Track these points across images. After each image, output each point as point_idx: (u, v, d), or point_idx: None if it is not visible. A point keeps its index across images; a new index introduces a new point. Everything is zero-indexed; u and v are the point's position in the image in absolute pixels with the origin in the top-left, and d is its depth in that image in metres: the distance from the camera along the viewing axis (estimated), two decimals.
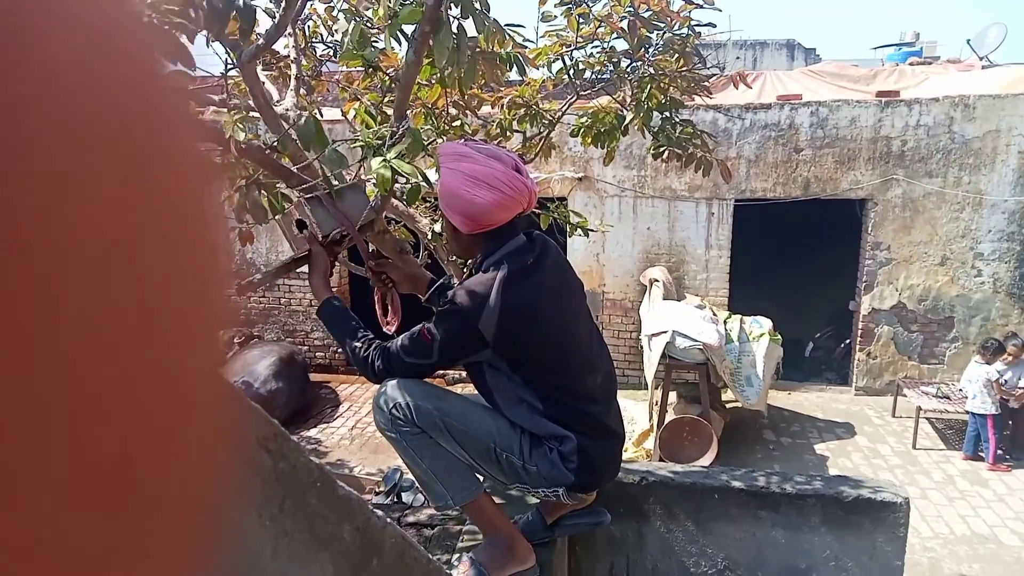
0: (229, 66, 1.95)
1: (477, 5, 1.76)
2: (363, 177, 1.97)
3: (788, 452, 6.44)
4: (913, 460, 6.27)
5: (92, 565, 0.19)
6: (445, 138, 2.58)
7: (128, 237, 0.20)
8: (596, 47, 2.76)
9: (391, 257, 2.73)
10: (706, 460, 5.66)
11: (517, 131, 3.01)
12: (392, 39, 1.76)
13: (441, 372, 1.83)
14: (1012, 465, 6.06)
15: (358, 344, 1.75)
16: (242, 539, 0.80)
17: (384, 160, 1.61)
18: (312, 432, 7.08)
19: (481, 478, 1.82)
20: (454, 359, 1.72)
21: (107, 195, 0.19)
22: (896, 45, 11.03)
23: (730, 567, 2.37)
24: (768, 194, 7.63)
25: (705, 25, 2.68)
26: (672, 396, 6.39)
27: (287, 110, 2.24)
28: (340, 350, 8.50)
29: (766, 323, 6.54)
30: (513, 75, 2.26)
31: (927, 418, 6.88)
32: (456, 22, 1.72)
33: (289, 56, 2.59)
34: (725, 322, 6.49)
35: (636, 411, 6.66)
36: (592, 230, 3.34)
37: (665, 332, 6.03)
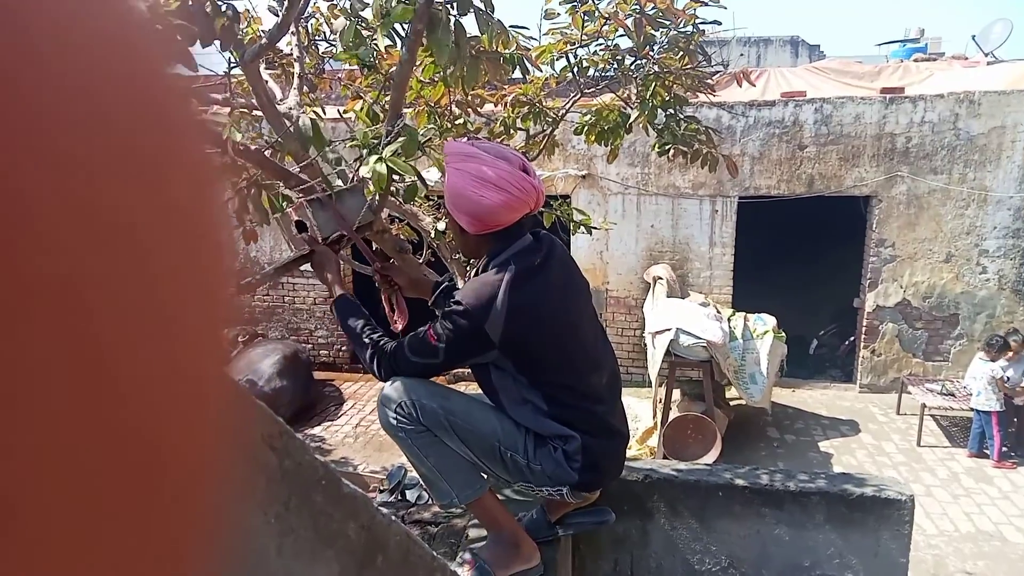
0: (232, 65, 1.95)
1: (479, 3, 1.76)
2: (361, 177, 1.98)
3: (792, 449, 6.43)
4: (918, 457, 6.26)
5: (101, 561, 0.19)
6: (449, 136, 2.58)
7: (138, 235, 0.20)
8: (600, 45, 2.76)
9: (391, 256, 2.73)
10: (710, 458, 5.66)
11: (520, 129, 3.00)
12: (386, 38, 1.76)
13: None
14: (1017, 462, 6.05)
15: (366, 342, 1.75)
16: (248, 537, 0.80)
17: (380, 159, 1.62)
18: (316, 430, 7.09)
19: (485, 476, 1.83)
20: (460, 360, 1.72)
21: (118, 193, 0.19)
22: (901, 41, 10.98)
23: (734, 564, 2.37)
24: (772, 191, 7.61)
25: (710, 23, 2.68)
26: (676, 394, 6.39)
27: (290, 108, 2.24)
28: (346, 347, 8.54)
29: (770, 320, 6.53)
30: (516, 74, 2.26)
31: (932, 415, 6.87)
32: (453, 19, 1.72)
33: (292, 54, 2.59)
34: (729, 319, 6.49)
35: (640, 409, 6.65)
36: (595, 228, 3.34)
37: (669, 330, 6.03)
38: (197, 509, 0.23)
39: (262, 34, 2.26)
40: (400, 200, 2.47)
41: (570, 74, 2.80)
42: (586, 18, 2.58)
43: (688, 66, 2.75)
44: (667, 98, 2.79)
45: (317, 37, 2.79)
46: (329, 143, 1.83)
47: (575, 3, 2.54)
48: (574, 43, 2.68)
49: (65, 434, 0.18)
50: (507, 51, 2.13)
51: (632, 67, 2.81)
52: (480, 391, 1.83)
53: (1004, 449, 6.07)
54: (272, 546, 0.85)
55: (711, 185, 7.63)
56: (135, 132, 0.20)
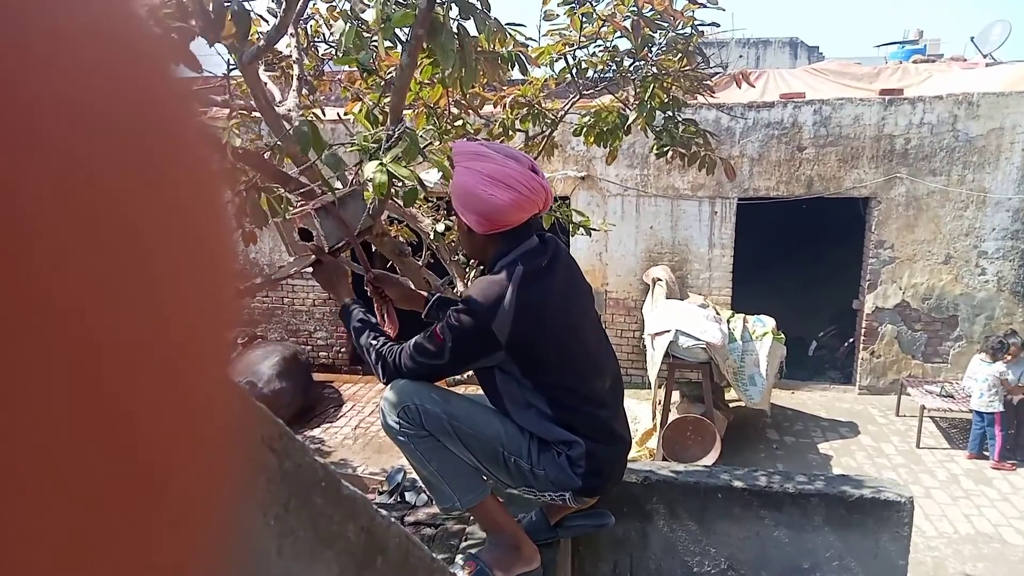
0: (231, 67, 1.95)
1: (478, 5, 1.76)
2: (360, 180, 1.98)
3: (791, 451, 6.43)
4: (917, 459, 6.26)
5: (103, 563, 0.19)
6: (448, 138, 2.58)
7: (141, 236, 0.20)
8: (599, 46, 2.76)
9: (391, 258, 2.73)
10: (709, 459, 5.66)
11: (519, 130, 3.01)
12: (386, 42, 1.76)
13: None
14: (1017, 463, 6.05)
15: (372, 344, 1.74)
16: (248, 538, 0.80)
17: (380, 164, 1.61)
18: (316, 432, 7.09)
19: (487, 479, 1.82)
20: (465, 361, 1.69)
21: (120, 194, 0.20)
22: (899, 43, 10.99)
23: (733, 567, 2.37)
24: (771, 193, 7.62)
25: (709, 24, 2.68)
26: (675, 395, 6.38)
27: (289, 110, 2.24)
28: (345, 349, 8.53)
29: (769, 322, 6.54)
30: (515, 74, 2.26)
31: (931, 417, 6.87)
32: (456, 23, 1.71)
33: (291, 56, 2.59)
34: (728, 321, 6.49)
35: (639, 410, 6.65)
36: (595, 229, 3.34)
37: (668, 331, 6.03)
38: (199, 512, 0.23)
39: (261, 35, 2.27)
40: (400, 203, 2.47)
41: (569, 75, 2.81)
42: (584, 20, 2.58)
43: (686, 68, 2.75)
44: (665, 100, 2.79)
45: (316, 39, 2.79)
46: (329, 145, 1.83)
47: (573, 4, 2.54)
48: (573, 44, 2.68)
49: (66, 436, 0.18)
50: (504, 49, 2.13)
51: (631, 69, 2.81)
52: (482, 394, 1.82)
53: (1005, 449, 6.07)
54: (272, 547, 0.85)
55: (710, 187, 7.64)
56: (137, 133, 0.20)
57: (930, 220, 7.37)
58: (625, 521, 2.37)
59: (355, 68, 2.22)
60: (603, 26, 2.59)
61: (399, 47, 1.86)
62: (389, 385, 1.73)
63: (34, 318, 0.17)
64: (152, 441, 0.21)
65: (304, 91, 2.50)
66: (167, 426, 0.21)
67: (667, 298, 6.94)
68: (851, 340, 8.24)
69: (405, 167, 1.63)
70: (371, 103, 2.37)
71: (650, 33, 2.59)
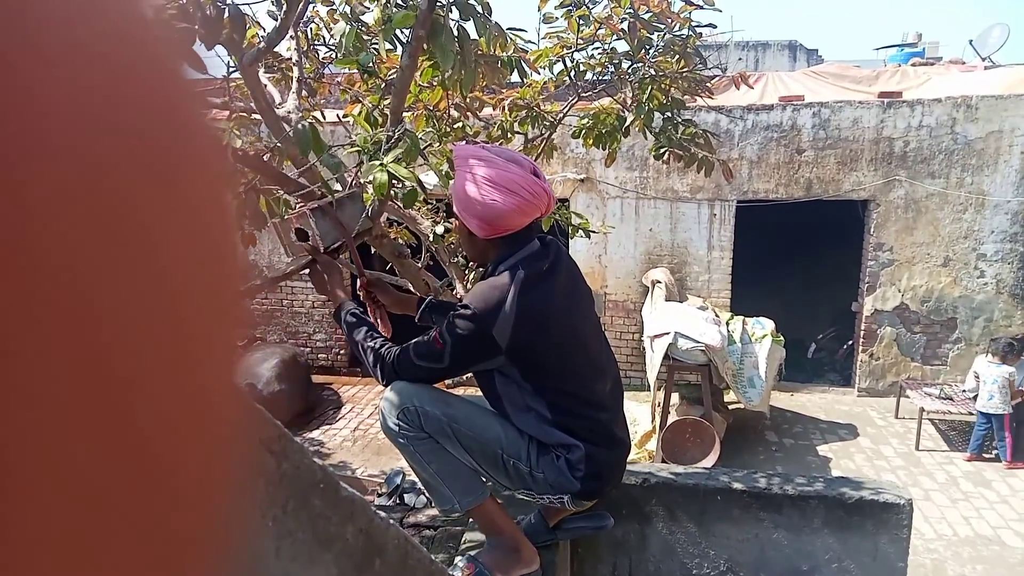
0: (231, 69, 1.96)
1: (478, 7, 1.76)
2: (360, 182, 1.98)
3: (790, 453, 6.43)
4: (916, 461, 6.26)
5: (104, 563, 0.20)
6: (448, 140, 2.58)
7: (149, 236, 0.20)
8: (597, 48, 2.77)
9: (390, 261, 2.73)
10: (708, 462, 5.66)
11: (519, 133, 3.01)
12: (387, 43, 1.76)
13: None
14: None
15: (370, 347, 1.74)
16: (246, 540, 0.80)
17: (381, 165, 1.62)
18: (314, 434, 7.08)
19: (486, 481, 1.82)
20: (465, 365, 1.69)
21: (128, 193, 0.20)
22: (898, 46, 11.02)
23: (732, 569, 2.37)
24: (770, 195, 7.62)
25: (705, 26, 2.68)
26: (674, 397, 6.38)
27: (289, 112, 2.24)
28: (344, 351, 8.53)
29: (768, 324, 6.54)
30: (514, 78, 2.26)
31: (930, 419, 6.87)
32: (456, 25, 1.72)
33: (291, 58, 2.59)
34: (727, 323, 6.49)
35: (638, 412, 6.65)
36: (594, 231, 3.34)
37: (667, 333, 6.03)
38: (201, 514, 0.23)
39: (261, 38, 2.27)
40: (399, 205, 2.47)
41: (567, 78, 2.81)
42: (581, 22, 2.58)
43: (684, 69, 2.76)
44: (664, 101, 2.79)
45: (316, 42, 2.79)
46: (328, 147, 1.83)
47: (570, 7, 2.55)
48: (571, 47, 2.68)
49: (72, 436, 0.18)
50: (504, 54, 2.13)
51: (628, 71, 2.82)
52: (482, 396, 1.82)
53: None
54: (270, 549, 0.85)
55: (709, 189, 7.64)
56: (146, 132, 0.21)
57: (929, 223, 7.38)
58: (624, 523, 2.37)
59: (355, 70, 2.23)
60: (600, 28, 2.60)
61: (399, 49, 1.86)
62: (389, 387, 1.72)
63: (38, 316, 0.17)
64: (157, 440, 0.21)
65: (304, 93, 2.50)
66: (172, 425, 0.22)
67: (666, 300, 6.94)
68: (850, 342, 8.24)
69: (405, 168, 1.63)
70: (371, 105, 2.37)
71: (647, 35, 2.59)
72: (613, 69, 2.83)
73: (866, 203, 7.59)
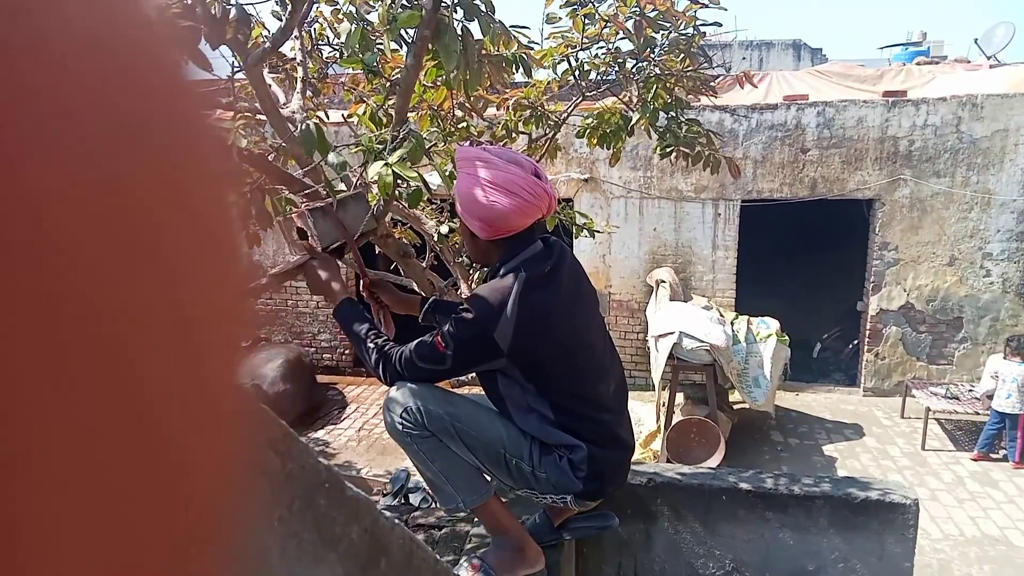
0: (236, 69, 1.96)
1: (482, 7, 1.76)
2: (365, 181, 1.98)
3: (796, 453, 6.42)
4: (922, 461, 6.24)
5: (117, 560, 0.19)
6: (452, 140, 2.58)
7: (158, 236, 0.20)
8: (601, 48, 2.76)
9: (395, 260, 2.73)
10: (713, 461, 5.65)
11: (523, 132, 3.01)
12: (392, 43, 1.76)
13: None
14: None
15: (372, 346, 1.74)
16: (251, 539, 0.80)
17: (386, 164, 1.62)
18: (319, 434, 7.09)
19: (490, 480, 1.82)
20: (467, 367, 1.69)
21: (136, 191, 0.20)
22: (903, 45, 10.99)
23: (738, 568, 2.36)
24: (775, 194, 7.61)
25: (711, 25, 2.68)
26: (679, 397, 6.37)
27: (293, 113, 2.25)
28: (349, 351, 8.54)
29: (773, 324, 6.52)
30: (519, 77, 2.26)
31: (936, 419, 6.85)
32: (460, 25, 1.72)
33: (295, 59, 2.60)
34: (732, 323, 6.48)
35: (643, 412, 6.64)
36: (598, 231, 3.34)
37: (672, 333, 6.02)
38: (209, 512, 0.23)
39: (265, 38, 2.27)
40: (404, 204, 2.47)
41: (572, 77, 2.81)
42: (586, 21, 2.58)
43: (689, 68, 2.75)
44: (668, 100, 2.79)
45: (321, 42, 2.79)
46: (333, 147, 1.83)
47: (575, 6, 2.54)
48: (575, 46, 2.68)
49: (86, 434, 0.18)
50: (508, 52, 2.13)
51: (633, 70, 2.81)
52: (486, 395, 1.82)
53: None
54: (275, 549, 0.85)
55: (713, 188, 7.63)
56: (148, 132, 0.20)
57: (934, 222, 7.35)
58: (629, 523, 2.37)
59: (359, 70, 2.23)
60: (605, 27, 2.59)
61: (404, 49, 1.86)
62: (393, 386, 1.73)
63: (54, 318, 0.17)
64: (165, 439, 0.21)
65: (308, 93, 2.51)
66: (180, 424, 0.22)
67: (671, 300, 6.93)
68: (855, 342, 8.22)
69: (410, 168, 1.63)
70: (375, 105, 2.37)
71: (652, 34, 2.59)
72: (617, 68, 2.82)
73: (871, 202, 7.57)
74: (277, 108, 2.08)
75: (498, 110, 3.00)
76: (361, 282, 2.07)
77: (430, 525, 2.49)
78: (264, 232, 2.15)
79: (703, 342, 5.91)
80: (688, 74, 2.77)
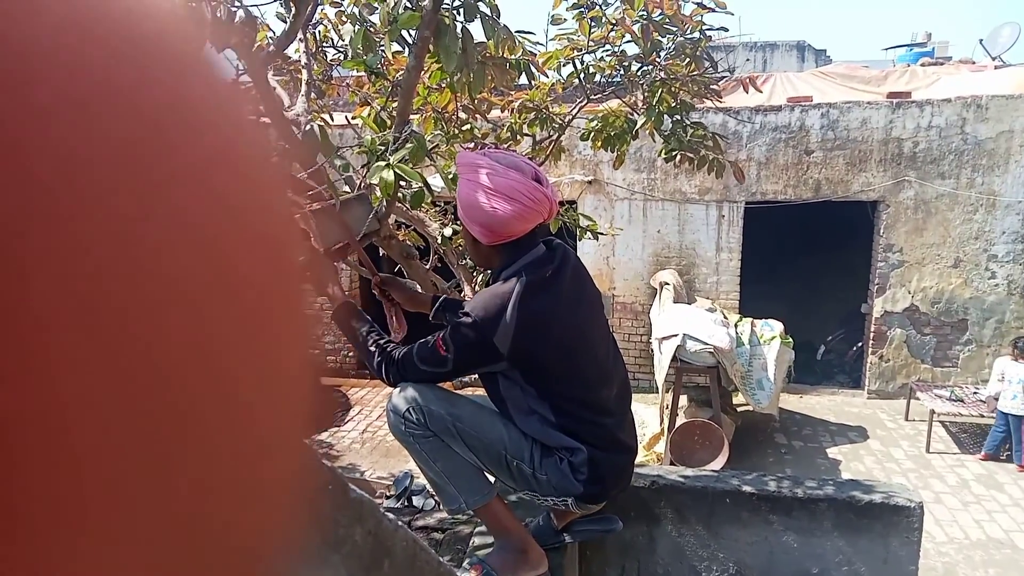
0: (241, 72, 1.96)
1: (486, 10, 1.76)
2: (368, 183, 1.98)
3: (800, 456, 6.40)
4: (927, 464, 6.22)
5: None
6: (456, 142, 2.59)
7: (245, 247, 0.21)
8: (607, 51, 2.76)
9: (398, 262, 2.74)
10: (717, 464, 5.64)
11: (527, 135, 3.01)
12: (393, 44, 1.77)
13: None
14: None
15: (373, 349, 1.74)
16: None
17: (388, 165, 1.62)
18: (323, 436, 7.10)
19: (493, 481, 1.82)
20: (468, 370, 1.71)
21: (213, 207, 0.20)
22: (907, 46, 10.96)
23: (741, 571, 2.36)
24: (779, 196, 7.60)
25: (717, 29, 2.68)
26: (683, 399, 6.37)
27: (298, 115, 2.25)
28: (353, 354, 8.55)
29: (777, 326, 6.51)
30: (522, 80, 2.26)
31: (941, 421, 6.82)
32: (460, 26, 1.72)
33: (300, 61, 2.60)
34: (736, 325, 6.46)
35: (647, 414, 6.64)
36: (602, 233, 3.34)
37: (676, 335, 6.01)
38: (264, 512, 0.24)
39: (270, 41, 2.28)
40: (407, 206, 2.47)
41: (577, 80, 2.81)
42: (593, 24, 2.58)
43: (694, 72, 2.75)
44: (673, 104, 2.79)
45: (325, 44, 2.80)
46: (337, 149, 1.83)
47: (582, 9, 2.55)
48: (581, 49, 2.68)
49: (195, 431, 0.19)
50: (513, 56, 2.13)
51: (639, 73, 2.81)
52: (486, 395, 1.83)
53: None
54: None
55: (717, 190, 7.62)
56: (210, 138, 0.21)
57: (939, 223, 7.33)
58: (632, 526, 2.36)
59: (363, 72, 2.23)
60: (611, 31, 2.59)
61: (406, 50, 1.86)
62: (396, 387, 1.74)
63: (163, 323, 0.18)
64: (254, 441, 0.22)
65: (313, 96, 2.51)
66: (263, 421, 0.22)
67: (674, 302, 6.93)
68: (860, 344, 8.20)
69: (412, 169, 1.64)
70: (379, 107, 2.38)
71: (659, 37, 2.59)
72: (623, 72, 2.83)
73: (875, 204, 7.55)
74: (282, 110, 2.09)
75: (503, 112, 3.00)
76: (372, 280, 2.08)
77: (433, 527, 2.49)
78: None
79: (707, 344, 5.90)
80: (693, 77, 2.77)
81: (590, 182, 7.92)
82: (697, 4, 2.61)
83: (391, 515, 1.16)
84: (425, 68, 2.09)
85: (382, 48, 2.03)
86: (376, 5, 2.04)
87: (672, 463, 5.68)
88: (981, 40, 9.12)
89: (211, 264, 0.20)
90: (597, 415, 1.74)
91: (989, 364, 6.87)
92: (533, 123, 2.94)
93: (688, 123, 2.90)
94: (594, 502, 1.84)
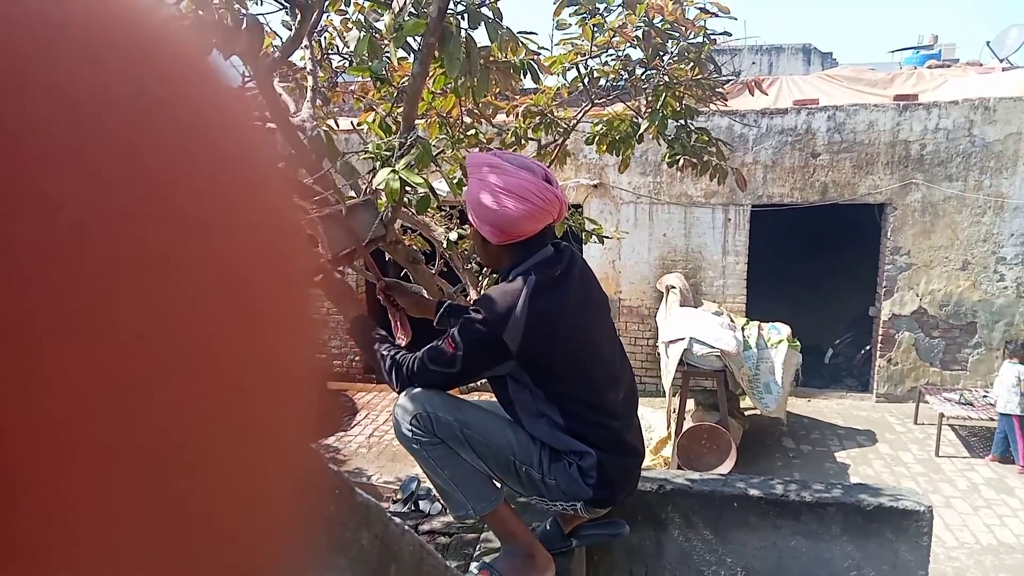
0: (246, 78, 1.97)
1: (489, 14, 1.77)
2: (374, 188, 1.99)
3: (808, 460, 6.37)
4: (936, 468, 6.18)
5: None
6: (461, 147, 2.59)
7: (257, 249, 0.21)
8: (611, 55, 2.77)
9: (404, 266, 2.74)
10: (725, 468, 5.61)
11: (532, 139, 3.01)
12: (399, 50, 1.77)
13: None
14: None
15: (384, 354, 1.74)
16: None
17: (393, 171, 1.62)
18: (330, 440, 7.11)
19: (500, 487, 1.82)
20: (477, 370, 1.69)
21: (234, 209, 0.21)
22: (914, 48, 10.93)
23: None
24: (785, 199, 7.58)
25: (720, 34, 2.68)
26: (690, 403, 6.35)
27: (304, 121, 2.26)
28: (359, 358, 8.56)
29: (784, 329, 6.49)
30: (528, 83, 2.27)
31: (950, 425, 6.78)
32: (465, 32, 1.73)
33: (305, 68, 2.62)
34: (743, 328, 6.45)
35: (654, 418, 6.62)
36: (608, 237, 3.34)
37: (682, 339, 6.00)
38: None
39: (276, 48, 2.29)
40: (413, 211, 2.48)
41: (581, 84, 2.81)
42: (595, 30, 2.59)
43: (698, 76, 2.75)
44: (678, 108, 2.79)
45: (330, 51, 2.81)
46: (342, 155, 1.84)
47: (585, 15, 2.55)
48: (585, 54, 2.69)
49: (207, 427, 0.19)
50: (517, 58, 2.14)
51: (642, 77, 2.82)
52: (495, 402, 1.82)
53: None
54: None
55: (724, 194, 7.61)
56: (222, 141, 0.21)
57: (947, 226, 7.30)
58: (640, 530, 2.36)
59: (368, 78, 2.24)
60: (614, 36, 2.60)
61: (411, 56, 1.87)
62: (402, 393, 1.73)
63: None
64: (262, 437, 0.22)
65: (318, 102, 2.52)
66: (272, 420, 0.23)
67: (681, 306, 6.91)
68: (868, 347, 8.16)
69: (417, 174, 1.64)
70: (384, 112, 2.38)
71: (661, 43, 2.59)
72: (627, 76, 2.83)
73: (882, 207, 7.52)
74: (287, 117, 2.10)
75: (507, 117, 3.01)
76: (377, 285, 2.08)
77: (440, 532, 2.49)
78: None
79: (714, 348, 5.89)
80: (698, 81, 2.77)
81: (596, 186, 7.92)
82: (700, 9, 2.61)
83: (398, 519, 1.16)
84: (429, 74, 2.09)
85: (387, 54, 2.04)
86: (382, 13, 2.05)
87: (679, 467, 5.66)
88: (988, 42, 9.09)
89: (219, 269, 0.21)
90: (605, 417, 1.74)
91: (999, 367, 6.83)
92: (538, 128, 2.94)
93: (692, 128, 2.90)
94: (603, 506, 1.84)
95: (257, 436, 0.22)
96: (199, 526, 0.20)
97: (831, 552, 2.29)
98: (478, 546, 2.17)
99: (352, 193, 2.02)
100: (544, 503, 1.81)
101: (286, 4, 1.92)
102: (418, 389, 1.71)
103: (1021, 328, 7.25)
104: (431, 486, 2.01)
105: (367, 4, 2.07)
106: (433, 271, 2.91)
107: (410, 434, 1.70)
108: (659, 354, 6.91)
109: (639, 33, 2.52)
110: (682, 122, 2.85)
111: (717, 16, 2.61)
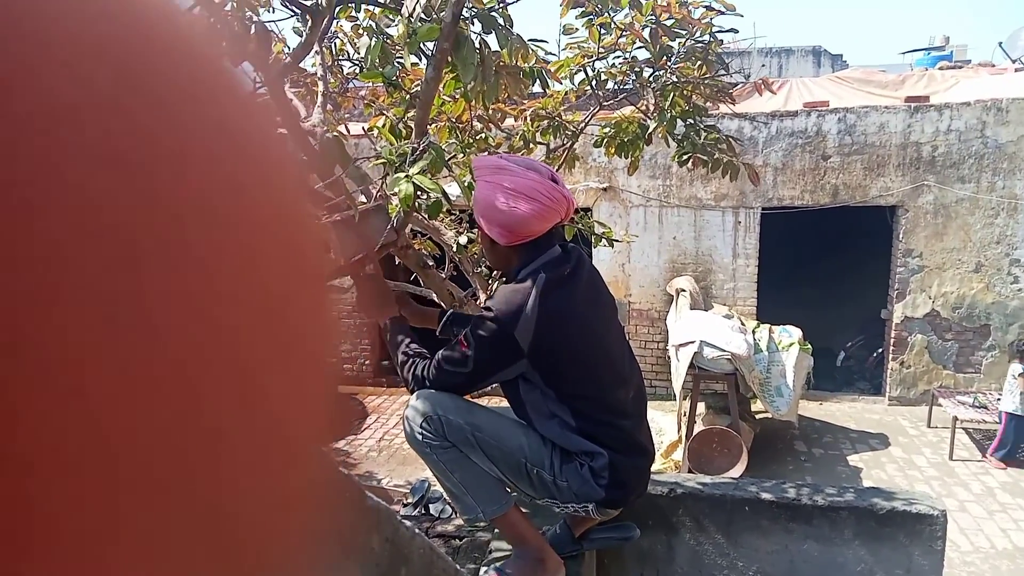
0: (257, 84, 1.99)
1: (500, 20, 1.78)
2: (385, 193, 2.00)
3: (820, 463, 6.33)
4: (950, 471, 6.12)
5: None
6: (471, 151, 2.60)
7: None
8: (618, 57, 2.77)
9: (414, 271, 2.75)
10: (736, 471, 5.59)
11: (541, 143, 3.02)
12: (412, 56, 1.78)
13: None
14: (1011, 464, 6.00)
15: (402, 357, 1.77)
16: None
17: (406, 176, 1.63)
18: (340, 444, 7.12)
19: (510, 490, 1.82)
20: (490, 370, 1.69)
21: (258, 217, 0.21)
22: (925, 50, 10.87)
23: None
24: (796, 202, 7.54)
25: (727, 31, 2.68)
26: (701, 407, 6.32)
27: (314, 126, 2.28)
28: (369, 361, 8.58)
29: (795, 332, 6.45)
30: (536, 88, 2.27)
31: (964, 428, 6.72)
32: (479, 38, 1.74)
33: (316, 73, 2.63)
34: (753, 331, 6.42)
35: (664, 422, 6.59)
36: (617, 240, 3.33)
37: (693, 342, 5.98)
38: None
39: (286, 54, 2.31)
40: (424, 216, 2.49)
41: (589, 87, 2.81)
42: (603, 31, 2.59)
43: (706, 75, 2.75)
44: (686, 108, 2.79)
45: (340, 57, 2.83)
46: (353, 160, 1.85)
47: (591, 16, 2.56)
48: (592, 56, 2.69)
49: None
50: (527, 65, 2.14)
51: (650, 78, 2.82)
52: (506, 406, 1.83)
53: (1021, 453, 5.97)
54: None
55: (733, 196, 7.59)
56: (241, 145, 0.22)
57: (959, 228, 7.24)
58: (650, 534, 2.35)
59: (379, 84, 2.25)
60: (621, 36, 2.60)
61: (424, 62, 1.88)
62: (414, 396, 1.74)
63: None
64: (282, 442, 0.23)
65: (329, 107, 2.54)
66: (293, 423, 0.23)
67: (691, 309, 6.89)
68: (880, 350, 8.10)
69: (430, 180, 1.65)
70: (395, 118, 2.40)
71: (668, 42, 2.59)
72: (635, 77, 2.83)
73: (894, 209, 7.48)
74: (298, 122, 2.11)
75: (516, 121, 3.02)
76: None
77: (450, 535, 2.49)
78: None
79: (724, 351, 5.86)
80: (706, 81, 2.76)
81: (605, 189, 7.91)
82: (706, 7, 2.61)
83: (408, 523, 1.16)
84: (441, 77, 2.10)
85: (399, 60, 2.05)
86: (394, 19, 2.07)
87: (690, 471, 5.64)
88: (1000, 43, 9.02)
89: (241, 271, 0.21)
90: (615, 417, 1.74)
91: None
92: (546, 131, 2.95)
93: (702, 126, 2.89)
94: (615, 507, 1.84)
95: (272, 439, 0.23)
96: (212, 528, 0.20)
97: (844, 556, 2.27)
98: (489, 549, 2.17)
99: (363, 198, 2.03)
100: (556, 505, 1.81)
101: (297, 10, 1.93)
102: (429, 392, 1.72)
103: None
104: (441, 490, 2.01)
105: (378, 10, 2.08)
106: (443, 275, 2.92)
107: (421, 437, 1.70)
108: (669, 357, 6.89)
109: (646, 32, 2.52)
110: (691, 121, 2.85)
111: (723, 14, 2.60)
